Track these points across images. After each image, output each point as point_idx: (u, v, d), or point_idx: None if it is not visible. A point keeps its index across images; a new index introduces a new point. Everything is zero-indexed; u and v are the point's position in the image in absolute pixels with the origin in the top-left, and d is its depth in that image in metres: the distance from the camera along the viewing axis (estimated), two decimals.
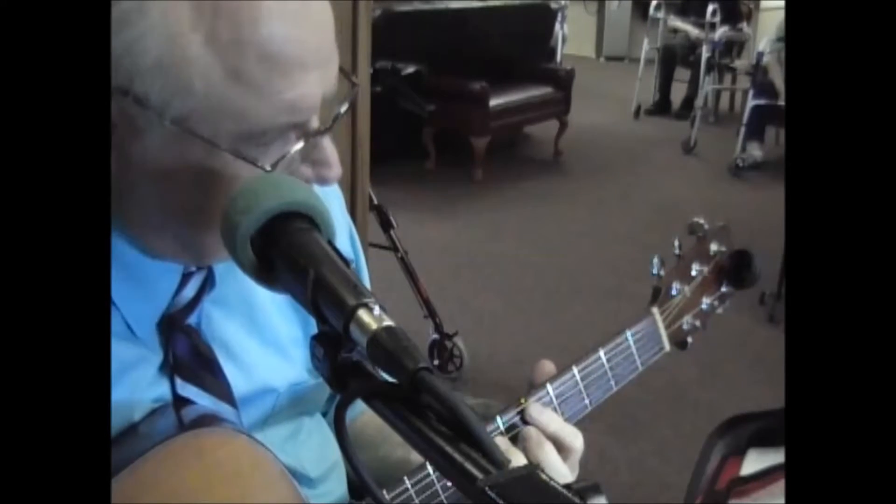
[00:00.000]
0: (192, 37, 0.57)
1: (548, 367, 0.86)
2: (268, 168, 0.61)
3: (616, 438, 2.67)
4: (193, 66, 0.57)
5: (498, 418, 0.80)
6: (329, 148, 0.66)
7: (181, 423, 0.70)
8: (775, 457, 0.98)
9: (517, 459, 0.78)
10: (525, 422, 0.81)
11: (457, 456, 0.46)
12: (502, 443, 0.79)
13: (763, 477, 0.97)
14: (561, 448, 0.80)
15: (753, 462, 0.99)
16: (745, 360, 3.21)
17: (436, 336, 3.01)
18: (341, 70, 0.66)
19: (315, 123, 0.64)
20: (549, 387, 0.84)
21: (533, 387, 0.84)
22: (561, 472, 0.79)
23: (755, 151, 5.75)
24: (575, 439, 0.81)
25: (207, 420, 0.70)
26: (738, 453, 1.00)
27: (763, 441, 1.00)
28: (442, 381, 0.47)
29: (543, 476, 0.44)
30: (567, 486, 0.44)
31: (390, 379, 0.49)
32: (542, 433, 0.79)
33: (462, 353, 3.02)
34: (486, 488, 0.44)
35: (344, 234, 0.88)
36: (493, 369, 3.09)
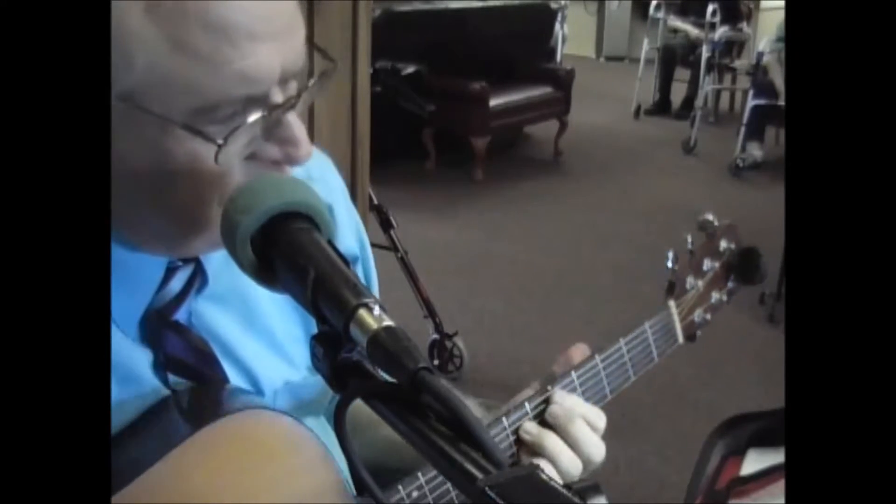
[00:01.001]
0: (131, 6, 0.54)
1: (581, 349, 0.91)
2: (220, 142, 0.58)
3: (616, 438, 2.66)
4: (134, 37, 0.54)
5: (526, 404, 0.83)
6: (296, 125, 0.62)
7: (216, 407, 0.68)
8: (775, 457, 0.98)
9: (550, 441, 0.82)
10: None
11: (457, 456, 0.46)
12: (532, 427, 0.82)
13: (763, 477, 0.97)
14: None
15: (753, 462, 0.99)
16: (745, 360, 3.21)
17: (436, 336, 3.01)
18: (313, 44, 0.63)
19: (278, 98, 0.61)
20: (573, 374, 0.88)
21: (558, 374, 0.88)
22: (595, 443, 0.84)
23: (755, 151, 5.75)
24: (599, 419, 0.85)
25: (245, 402, 0.69)
26: (738, 453, 1.00)
27: (763, 441, 1.00)
28: (442, 380, 0.47)
29: (543, 476, 0.44)
30: (567, 486, 0.44)
31: (390, 379, 0.49)
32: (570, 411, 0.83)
33: (462, 353, 3.02)
34: (486, 488, 0.44)
35: (351, 232, 0.85)
36: (493, 369, 3.09)
